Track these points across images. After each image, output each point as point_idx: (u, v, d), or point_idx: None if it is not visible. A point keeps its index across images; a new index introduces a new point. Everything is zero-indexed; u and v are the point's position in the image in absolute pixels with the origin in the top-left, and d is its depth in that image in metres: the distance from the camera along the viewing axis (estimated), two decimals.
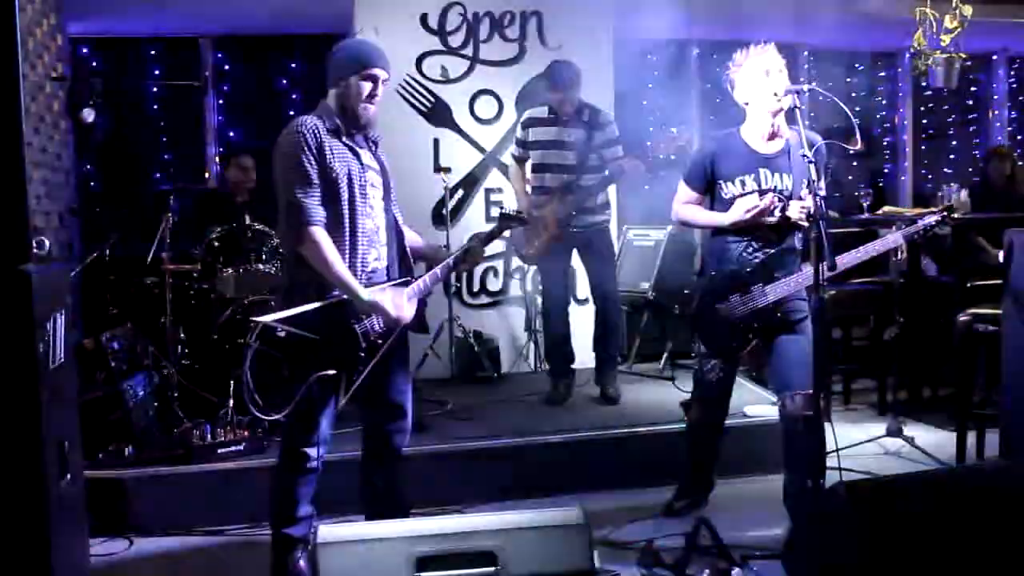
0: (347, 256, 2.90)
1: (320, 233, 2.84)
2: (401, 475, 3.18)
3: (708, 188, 3.49)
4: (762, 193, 3.36)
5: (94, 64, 6.13)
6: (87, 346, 4.37)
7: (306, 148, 2.85)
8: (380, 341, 2.96)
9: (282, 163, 2.89)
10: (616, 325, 4.88)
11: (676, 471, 3.78)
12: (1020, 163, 6.24)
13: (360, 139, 3.02)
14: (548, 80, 4.68)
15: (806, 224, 3.28)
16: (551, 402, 4.76)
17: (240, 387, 2.95)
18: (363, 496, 3.18)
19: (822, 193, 3.04)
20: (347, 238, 2.91)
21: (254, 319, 2.84)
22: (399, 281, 3.02)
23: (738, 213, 3.33)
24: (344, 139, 2.95)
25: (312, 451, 3.00)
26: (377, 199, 3.01)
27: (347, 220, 2.90)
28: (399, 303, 2.93)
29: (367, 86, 2.94)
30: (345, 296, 2.88)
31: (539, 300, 5.24)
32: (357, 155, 2.97)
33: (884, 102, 7.46)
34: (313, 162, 2.85)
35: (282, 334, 2.80)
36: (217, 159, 6.25)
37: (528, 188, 4.85)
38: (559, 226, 4.62)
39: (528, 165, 4.84)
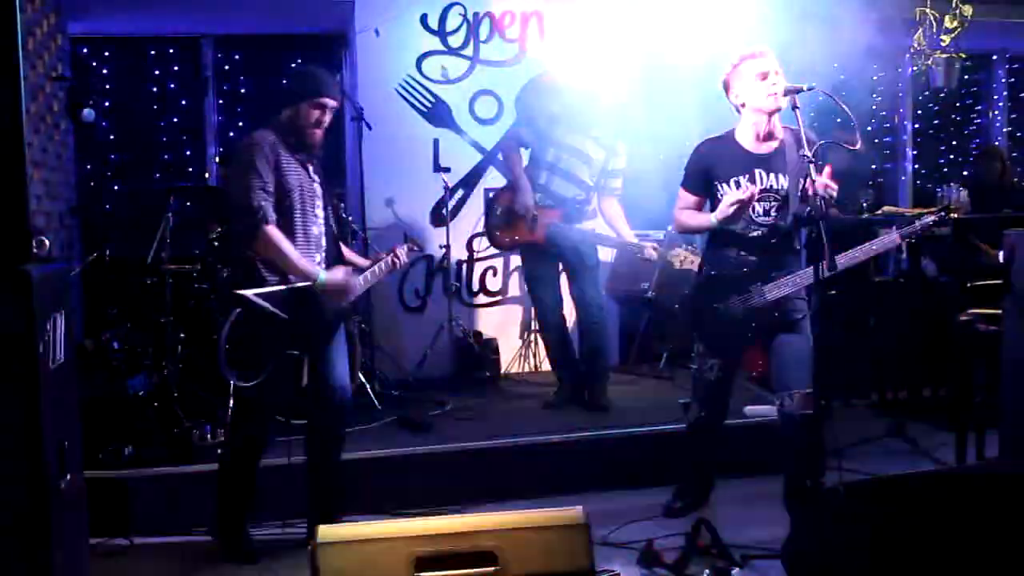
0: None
1: (274, 230, 3.19)
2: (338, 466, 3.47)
3: (706, 190, 3.48)
4: (762, 192, 3.36)
5: (94, 64, 6.13)
6: (87, 346, 4.37)
7: (264, 159, 3.19)
8: (334, 324, 3.33)
9: (240, 170, 3.23)
10: (600, 345, 4.71)
11: (676, 471, 3.78)
12: (1009, 162, 6.24)
13: (304, 156, 3.33)
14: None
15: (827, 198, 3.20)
16: (554, 405, 4.73)
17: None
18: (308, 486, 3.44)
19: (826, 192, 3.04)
20: (299, 242, 3.26)
21: (236, 290, 3.19)
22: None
23: (722, 208, 3.32)
24: (295, 155, 3.28)
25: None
26: (319, 210, 3.36)
27: (299, 227, 3.26)
28: (352, 281, 3.36)
29: (316, 113, 3.27)
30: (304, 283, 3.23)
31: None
32: (306, 169, 3.32)
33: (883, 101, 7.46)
34: (270, 172, 3.20)
35: (263, 304, 3.15)
36: (217, 159, 6.25)
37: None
38: (542, 232, 4.57)
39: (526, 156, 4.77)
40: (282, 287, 3.20)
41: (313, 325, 3.28)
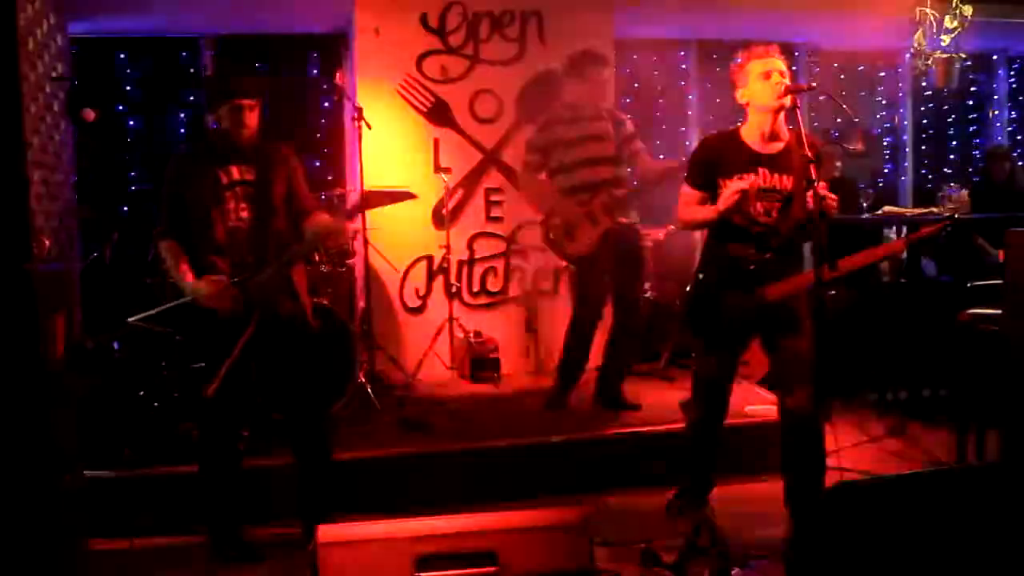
0: (205, 267, 3.33)
1: (164, 245, 3.39)
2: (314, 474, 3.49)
3: (710, 186, 3.47)
4: (762, 192, 3.36)
5: (94, 64, 6.12)
6: (87, 346, 4.37)
7: (166, 181, 3.41)
8: (235, 332, 3.30)
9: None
10: (636, 335, 4.70)
11: (676, 471, 3.78)
12: (1020, 163, 6.25)
13: (231, 159, 3.40)
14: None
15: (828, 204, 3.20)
16: (553, 407, 4.73)
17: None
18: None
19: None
20: (205, 250, 3.35)
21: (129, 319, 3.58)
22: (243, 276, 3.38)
23: (725, 197, 3.31)
24: (210, 164, 3.38)
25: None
26: (244, 211, 3.39)
27: (197, 235, 3.36)
28: (219, 292, 3.30)
29: (235, 115, 3.36)
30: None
31: (539, 300, 5.19)
32: (216, 177, 3.37)
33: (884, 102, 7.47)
34: (169, 192, 3.40)
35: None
36: None
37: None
38: (611, 221, 4.51)
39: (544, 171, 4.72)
40: (164, 306, 3.50)
41: (213, 332, 3.32)
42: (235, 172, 3.40)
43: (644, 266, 4.73)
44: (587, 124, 4.57)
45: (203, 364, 3.35)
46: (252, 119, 3.39)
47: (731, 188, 3.30)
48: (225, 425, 3.42)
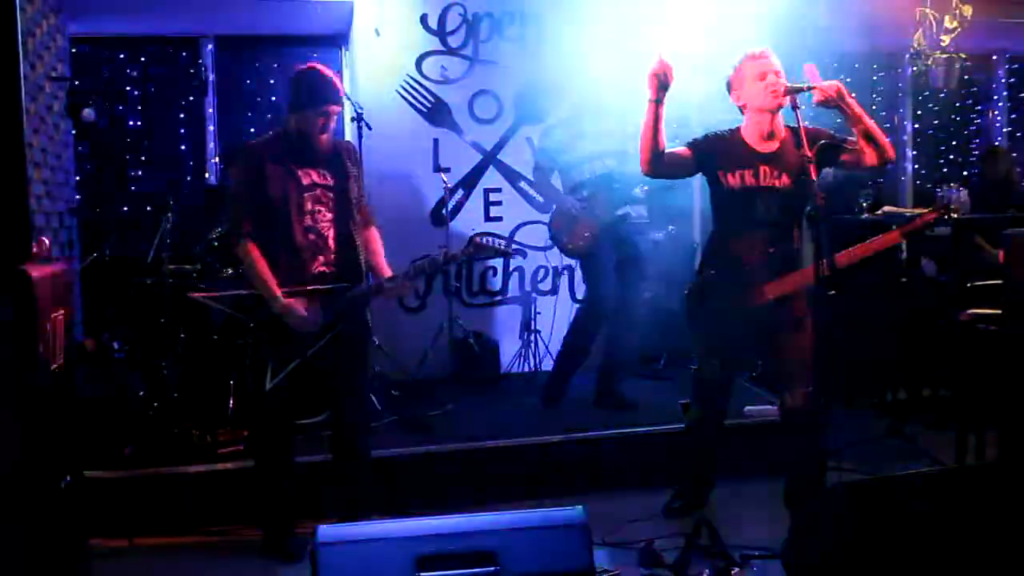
0: (280, 266, 3.29)
1: (248, 245, 3.29)
2: (359, 474, 3.51)
3: (700, 165, 3.45)
4: (760, 190, 3.36)
5: (94, 64, 6.13)
6: (87, 346, 4.37)
7: (246, 172, 3.32)
8: (310, 339, 3.31)
9: (230, 183, 3.41)
10: (635, 333, 4.75)
11: (676, 471, 3.78)
12: (1017, 163, 6.25)
13: (309, 160, 3.36)
14: None
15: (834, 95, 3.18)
16: (549, 399, 4.74)
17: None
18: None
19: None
20: (282, 253, 3.30)
21: (191, 294, 3.46)
22: (334, 287, 3.36)
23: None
24: (289, 164, 3.32)
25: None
26: (320, 215, 3.37)
27: (280, 238, 3.30)
28: (309, 317, 3.30)
29: (320, 121, 3.31)
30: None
31: (537, 300, 5.18)
32: (298, 178, 3.33)
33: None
34: (250, 186, 3.30)
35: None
36: (217, 159, 6.25)
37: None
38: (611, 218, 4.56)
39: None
40: (241, 292, 3.33)
41: (282, 333, 3.29)
42: (314, 175, 3.37)
43: (644, 264, 4.75)
44: (595, 119, 4.63)
45: (266, 357, 3.31)
46: (333, 125, 3.37)
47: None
48: (280, 420, 3.41)
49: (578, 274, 5.26)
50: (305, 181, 3.35)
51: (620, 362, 4.77)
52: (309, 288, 3.31)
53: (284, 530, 3.43)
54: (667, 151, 3.36)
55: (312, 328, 3.31)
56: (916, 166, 7.49)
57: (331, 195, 3.39)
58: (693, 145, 3.47)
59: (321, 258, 3.36)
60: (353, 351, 3.46)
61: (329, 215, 3.39)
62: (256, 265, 3.28)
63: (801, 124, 3.18)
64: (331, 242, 3.39)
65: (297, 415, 3.66)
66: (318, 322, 3.32)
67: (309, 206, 3.34)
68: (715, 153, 3.42)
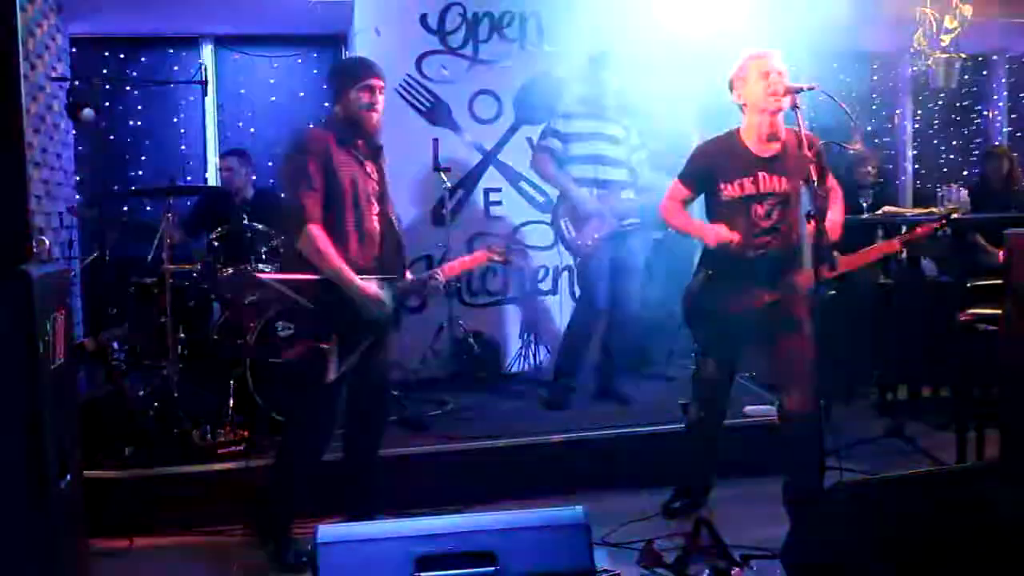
0: (348, 253, 3.19)
1: (317, 230, 3.13)
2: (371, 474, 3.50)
3: (701, 188, 3.49)
4: (759, 196, 3.37)
5: (94, 64, 6.13)
6: (87, 346, 4.37)
7: (313, 155, 3.16)
8: (375, 327, 3.24)
9: (289, 167, 3.20)
10: (630, 331, 4.81)
11: (676, 471, 3.78)
12: (1018, 162, 6.24)
13: (364, 149, 3.31)
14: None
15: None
16: (551, 406, 4.73)
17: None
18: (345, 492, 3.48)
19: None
20: (349, 238, 3.21)
21: (258, 274, 3.44)
22: (388, 277, 3.33)
23: (714, 236, 3.39)
24: (350, 150, 3.25)
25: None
26: (378, 208, 3.33)
27: (350, 223, 3.21)
28: (380, 302, 3.22)
29: (365, 96, 3.26)
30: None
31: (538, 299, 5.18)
32: (361, 164, 3.28)
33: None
34: (318, 171, 3.15)
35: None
36: (217, 159, 6.25)
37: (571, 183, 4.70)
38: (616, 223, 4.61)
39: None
40: (310, 276, 3.13)
41: (352, 317, 3.17)
42: (369, 166, 3.32)
43: (639, 262, 4.79)
44: (602, 125, 4.64)
45: (324, 345, 3.14)
46: (380, 103, 3.28)
47: (722, 235, 3.35)
48: (335, 414, 3.31)
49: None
50: (369, 169, 3.32)
51: (618, 360, 4.79)
52: (378, 289, 3.23)
53: (286, 537, 3.34)
54: (674, 201, 3.57)
55: (387, 313, 3.25)
56: (916, 166, 7.50)
57: (379, 188, 3.36)
58: (685, 177, 3.53)
59: (372, 251, 3.31)
60: (389, 346, 3.43)
61: (378, 207, 3.35)
62: (329, 249, 3.13)
63: (802, 125, 3.17)
64: (378, 234, 3.34)
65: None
66: (391, 308, 3.27)
67: (363, 199, 3.27)
68: (712, 167, 3.43)
